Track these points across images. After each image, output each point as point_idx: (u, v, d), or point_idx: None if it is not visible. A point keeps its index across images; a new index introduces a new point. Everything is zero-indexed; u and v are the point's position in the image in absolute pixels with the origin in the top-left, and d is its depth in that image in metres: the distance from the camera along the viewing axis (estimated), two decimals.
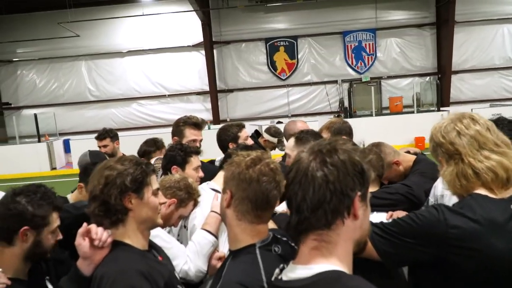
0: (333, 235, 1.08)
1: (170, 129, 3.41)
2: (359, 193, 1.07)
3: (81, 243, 1.49)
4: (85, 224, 1.50)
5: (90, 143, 5.09)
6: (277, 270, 1.19)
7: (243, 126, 3.53)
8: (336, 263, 1.07)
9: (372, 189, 2.17)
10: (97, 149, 4.44)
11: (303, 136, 2.41)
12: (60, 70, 16.41)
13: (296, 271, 1.09)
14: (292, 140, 2.46)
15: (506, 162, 1.43)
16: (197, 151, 2.76)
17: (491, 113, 12.76)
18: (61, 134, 15.90)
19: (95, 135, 4.77)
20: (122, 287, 1.38)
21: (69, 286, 1.51)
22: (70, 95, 16.47)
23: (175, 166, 2.63)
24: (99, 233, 1.49)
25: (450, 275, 1.39)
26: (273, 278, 1.19)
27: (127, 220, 1.57)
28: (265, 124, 12.61)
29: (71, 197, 2.79)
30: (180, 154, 2.65)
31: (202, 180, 2.68)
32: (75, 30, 14.61)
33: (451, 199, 1.97)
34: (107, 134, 4.62)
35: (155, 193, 1.63)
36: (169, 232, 2.39)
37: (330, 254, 1.08)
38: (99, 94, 16.49)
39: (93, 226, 1.50)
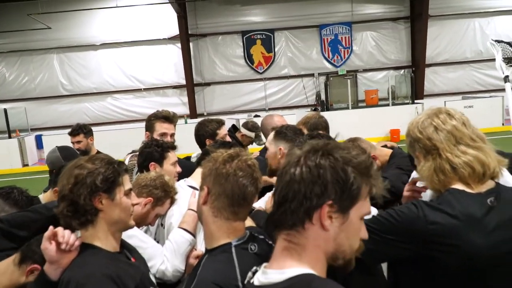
0: (301, 238, 1.06)
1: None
2: (329, 202, 1.02)
3: (47, 247, 1.42)
4: (51, 227, 1.44)
5: (63, 139, 4.96)
6: (249, 274, 1.17)
7: (223, 123, 3.49)
8: (307, 266, 1.04)
9: None
10: (70, 145, 4.31)
11: (282, 131, 2.43)
12: (31, 63, 15.89)
13: (268, 276, 1.08)
14: (272, 134, 2.49)
15: (482, 156, 1.44)
16: (173, 146, 2.72)
17: (463, 105, 13.09)
18: (33, 130, 15.48)
19: (69, 130, 4.64)
20: None
21: None
22: (42, 89, 15.98)
23: (153, 163, 2.58)
24: (66, 236, 1.43)
25: (429, 271, 1.40)
26: (245, 282, 1.18)
27: (97, 221, 1.52)
28: (242, 117, 12.61)
29: (43, 197, 2.68)
30: (157, 150, 2.60)
31: (179, 177, 2.64)
32: (46, 22, 14.17)
33: (426, 192, 2.00)
34: (81, 130, 4.47)
35: (127, 194, 1.58)
36: (146, 232, 2.34)
37: (299, 256, 1.05)
38: (72, 88, 16.06)
39: (59, 229, 1.44)
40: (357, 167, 1.04)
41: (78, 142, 4.43)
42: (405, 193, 1.87)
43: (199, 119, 3.71)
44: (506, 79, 2.51)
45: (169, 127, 3.23)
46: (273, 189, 1.12)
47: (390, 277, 1.57)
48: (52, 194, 2.59)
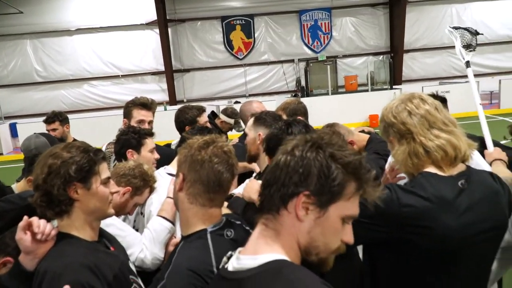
0: (276, 223, 1.08)
1: None
2: (306, 192, 1.03)
3: (22, 237, 1.39)
4: (25, 217, 1.41)
5: (39, 127, 4.83)
6: (224, 259, 1.18)
7: (204, 111, 3.46)
8: (280, 251, 1.05)
9: None
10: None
11: (262, 117, 2.43)
12: (3, 50, 15.35)
13: (241, 261, 1.09)
14: (251, 120, 2.49)
15: (454, 140, 1.47)
16: (151, 133, 2.70)
17: (440, 90, 13.29)
18: (7, 118, 15.10)
19: (44, 118, 4.53)
20: (67, 283, 1.30)
21: (11, 284, 1.41)
22: (15, 76, 15.51)
23: (130, 150, 2.55)
24: (42, 226, 1.40)
25: (404, 254, 1.43)
26: (220, 266, 1.19)
27: (72, 211, 1.48)
28: (222, 104, 12.55)
29: (16, 187, 2.61)
30: (134, 137, 2.57)
31: (159, 164, 2.63)
32: (18, 6, 13.72)
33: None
34: (56, 118, 4.37)
35: (105, 182, 1.55)
36: (124, 220, 2.32)
37: (273, 242, 1.07)
38: (47, 74, 15.65)
39: (34, 219, 1.41)
40: (345, 166, 1.04)
41: (54, 130, 4.34)
42: (391, 180, 1.92)
43: (178, 106, 3.69)
44: (467, 64, 2.56)
45: (147, 114, 3.20)
46: (253, 175, 1.14)
47: (365, 260, 1.60)
48: (26, 184, 2.53)
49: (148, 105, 3.20)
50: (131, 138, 2.56)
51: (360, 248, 1.75)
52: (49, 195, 1.44)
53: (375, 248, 1.51)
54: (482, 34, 2.78)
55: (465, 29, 2.62)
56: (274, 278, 0.98)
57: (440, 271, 1.42)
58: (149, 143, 2.62)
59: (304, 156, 1.04)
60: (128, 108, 3.19)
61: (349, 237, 1.10)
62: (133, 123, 3.07)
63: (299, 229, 1.06)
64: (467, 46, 2.57)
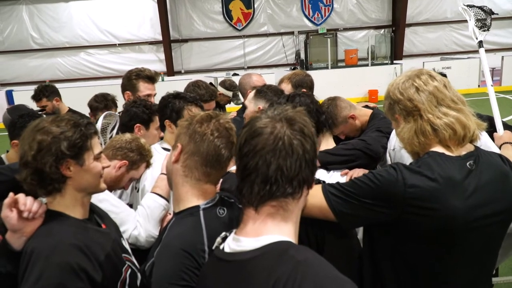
0: (293, 203, 1.05)
1: (121, 81, 3.19)
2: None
3: (8, 215, 1.32)
4: (11, 193, 1.33)
5: None
6: (218, 239, 1.13)
7: (213, 99, 3.24)
8: (286, 232, 1.03)
9: (328, 146, 2.17)
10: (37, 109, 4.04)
11: (263, 90, 2.39)
12: None
13: (241, 243, 1.04)
14: (252, 93, 2.45)
15: (463, 118, 1.41)
16: None
17: (442, 66, 13.15)
18: (3, 85, 14.94)
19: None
20: (55, 264, 1.25)
21: None
22: (11, 42, 15.27)
23: (139, 124, 2.49)
24: (28, 204, 1.32)
25: (406, 234, 1.38)
26: (214, 247, 1.14)
27: (65, 188, 1.41)
28: (221, 76, 12.39)
29: (6, 157, 2.55)
30: (145, 111, 2.50)
31: None
32: None
33: (401, 152, 2.00)
34: (42, 94, 4.08)
35: (97, 158, 1.47)
36: (121, 195, 2.28)
37: (284, 222, 1.04)
38: (43, 42, 15.39)
39: (20, 196, 1.33)
40: None
41: (44, 107, 4.09)
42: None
43: (176, 77, 3.57)
44: (480, 44, 2.48)
45: (153, 87, 3.11)
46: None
47: (365, 243, 1.56)
48: (14, 151, 2.44)
49: (154, 78, 3.09)
50: (142, 113, 2.48)
51: (359, 230, 1.72)
52: (40, 173, 1.36)
53: (376, 229, 1.47)
54: (497, 14, 2.70)
55: (480, 7, 2.53)
56: (280, 259, 0.95)
57: (442, 255, 1.39)
58: (158, 120, 2.56)
59: (313, 133, 1.08)
60: (132, 80, 3.06)
61: None
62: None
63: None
64: (481, 26, 2.49)
